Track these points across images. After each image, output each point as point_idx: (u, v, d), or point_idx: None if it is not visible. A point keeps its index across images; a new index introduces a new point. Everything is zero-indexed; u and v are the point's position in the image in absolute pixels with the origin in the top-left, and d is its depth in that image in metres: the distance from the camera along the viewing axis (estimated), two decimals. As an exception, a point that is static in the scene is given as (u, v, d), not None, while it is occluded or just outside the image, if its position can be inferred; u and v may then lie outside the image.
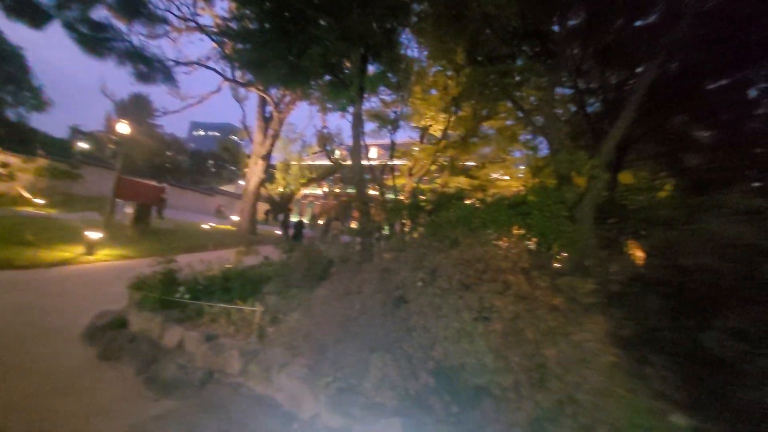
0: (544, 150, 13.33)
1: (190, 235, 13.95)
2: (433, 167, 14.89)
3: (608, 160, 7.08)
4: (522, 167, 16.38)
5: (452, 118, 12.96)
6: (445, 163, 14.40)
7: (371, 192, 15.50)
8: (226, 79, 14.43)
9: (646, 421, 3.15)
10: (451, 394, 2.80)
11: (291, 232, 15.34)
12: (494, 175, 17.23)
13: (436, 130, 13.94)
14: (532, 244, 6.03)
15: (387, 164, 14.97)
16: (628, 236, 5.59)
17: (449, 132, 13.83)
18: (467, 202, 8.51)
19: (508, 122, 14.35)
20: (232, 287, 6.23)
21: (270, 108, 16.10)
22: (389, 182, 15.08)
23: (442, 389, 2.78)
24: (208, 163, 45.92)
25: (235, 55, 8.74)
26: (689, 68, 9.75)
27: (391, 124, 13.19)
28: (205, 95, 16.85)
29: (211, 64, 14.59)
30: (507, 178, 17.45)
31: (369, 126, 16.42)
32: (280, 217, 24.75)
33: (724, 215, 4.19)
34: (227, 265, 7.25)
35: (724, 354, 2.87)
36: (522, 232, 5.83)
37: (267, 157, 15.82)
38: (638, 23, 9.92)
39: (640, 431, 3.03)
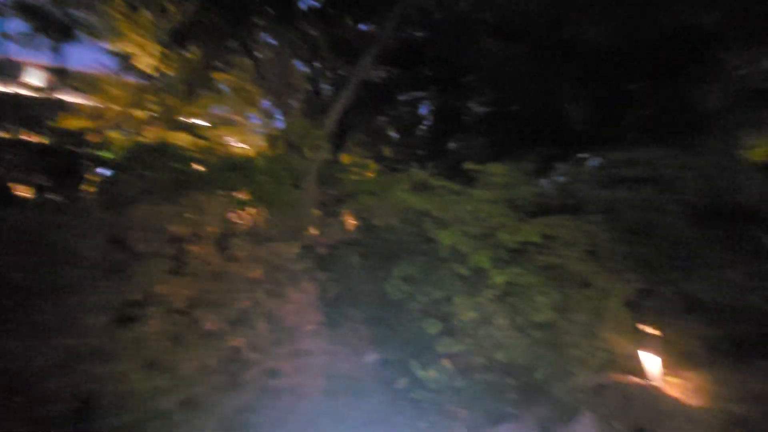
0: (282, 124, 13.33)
1: None
2: (142, 114, 11.12)
3: (329, 131, 7.71)
4: (262, 135, 15.77)
5: (171, 54, 10.02)
6: (161, 112, 11.07)
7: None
8: None
9: (346, 366, 3.42)
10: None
11: None
12: (231, 140, 15.55)
13: (145, 64, 10.38)
14: (261, 212, 5.58)
15: (57, 98, 9.95)
16: (343, 205, 6.27)
17: (168, 74, 10.70)
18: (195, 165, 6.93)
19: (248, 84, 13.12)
20: None
21: None
22: (60, 124, 10.07)
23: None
24: None
25: None
26: (389, 79, 12.65)
27: (61, 32, 8.50)
28: None
29: None
30: (246, 146, 16.27)
31: (18, 25, 9.92)
32: None
33: (403, 190, 5.48)
34: None
35: (398, 296, 3.51)
36: (246, 196, 5.19)
37: None
38: (363, 27, 11.64)
39: (342, 379, 3.23)
